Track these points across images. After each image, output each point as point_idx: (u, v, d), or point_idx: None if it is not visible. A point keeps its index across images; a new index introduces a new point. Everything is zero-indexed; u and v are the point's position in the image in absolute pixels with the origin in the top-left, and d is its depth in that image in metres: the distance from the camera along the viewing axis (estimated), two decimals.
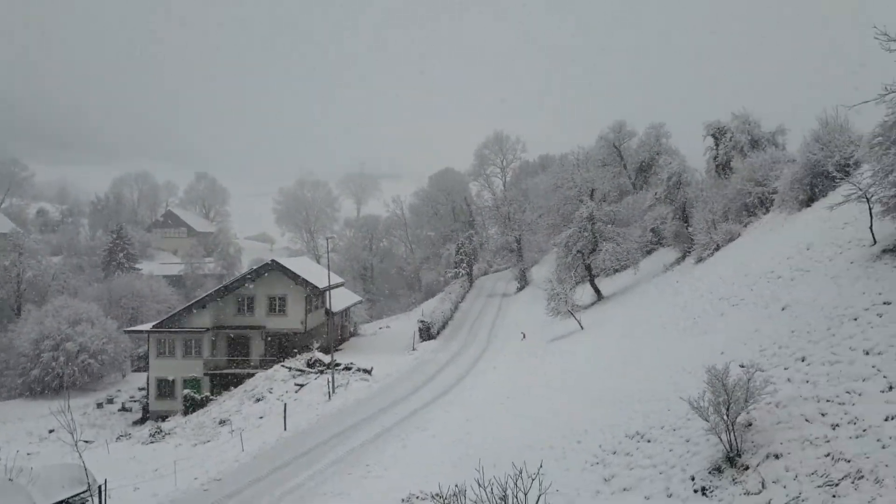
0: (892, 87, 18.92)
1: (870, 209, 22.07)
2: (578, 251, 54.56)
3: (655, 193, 57.06)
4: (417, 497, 15.05)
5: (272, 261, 54.97)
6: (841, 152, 33.58)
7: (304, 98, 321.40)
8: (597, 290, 55.21)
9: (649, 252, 62.39)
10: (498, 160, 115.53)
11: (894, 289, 18.23)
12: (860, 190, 22.06)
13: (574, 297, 49.04)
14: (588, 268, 55.37)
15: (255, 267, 57.54)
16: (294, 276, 52.73)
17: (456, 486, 12.15)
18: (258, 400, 41.75)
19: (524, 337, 50.65)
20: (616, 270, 57.61)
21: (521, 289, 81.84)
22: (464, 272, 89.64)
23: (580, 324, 43.94)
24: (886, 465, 12.84)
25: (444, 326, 64.13)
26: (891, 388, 14.67)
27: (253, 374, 48.90)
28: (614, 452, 19.71)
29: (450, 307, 70.38)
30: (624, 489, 17.61)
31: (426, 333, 58.80)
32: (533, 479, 10.91)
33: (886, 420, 13.86)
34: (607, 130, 78.38)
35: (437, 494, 12.23)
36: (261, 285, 53.47)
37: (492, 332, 59.47)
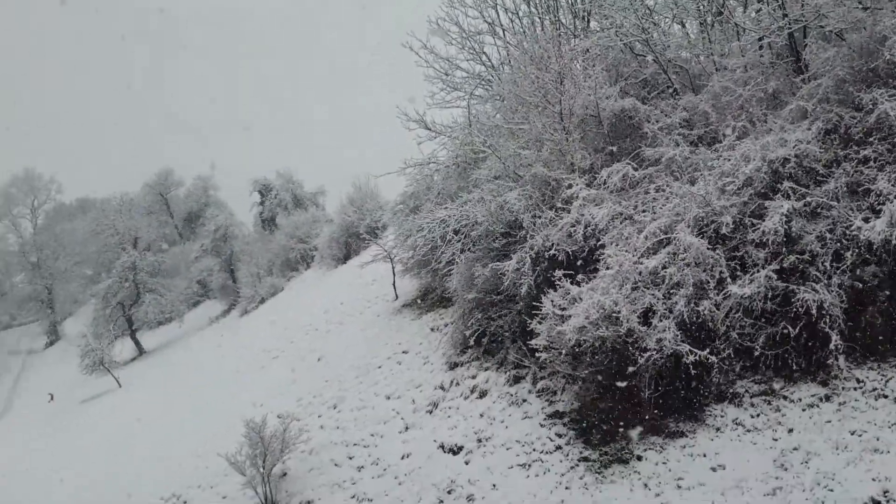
0: (409, 161, 21.84)
1: (393, 268, 24.82)
2: (119, 303, 51.41)
3: (202, 245, 56.60)
4: None
5: None
6: (371, 216, 37.23)
7: None
8: (138, 345, 52.38)
9: (195, 304, 61.35)
10: (28, 200, 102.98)
11: (411, 339, 20.65)
12: (385, 251, 24.75)
13: (112, 352, 45.80)
14: (129, 321, 52.38)
15: None
16: None
17: None
18: None
19: (52, 398, 45.55)
20: (160, 323, 55.39)
21: (51, 344, 73.68)
22: None
23: (118, 381, 41.13)
24: (402, 501, 14.36)
25: None
26: (406, 428, 16.50)
27: None
28: None
29: None
30: None
31: None
32: None
33: (402, 458, 15.53)
34: (153, 177, 75.70)
35: None
36: None
37: (12, 396, 52.38)
